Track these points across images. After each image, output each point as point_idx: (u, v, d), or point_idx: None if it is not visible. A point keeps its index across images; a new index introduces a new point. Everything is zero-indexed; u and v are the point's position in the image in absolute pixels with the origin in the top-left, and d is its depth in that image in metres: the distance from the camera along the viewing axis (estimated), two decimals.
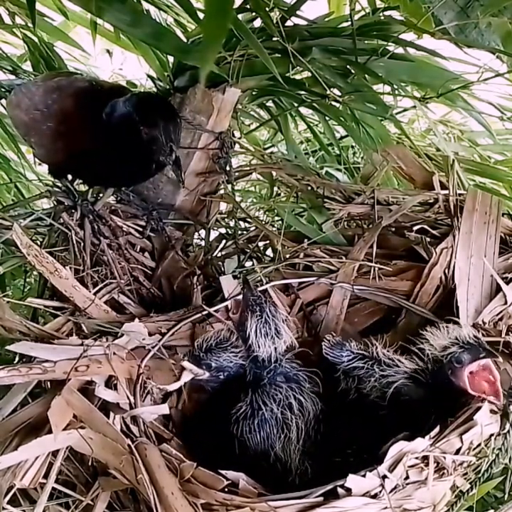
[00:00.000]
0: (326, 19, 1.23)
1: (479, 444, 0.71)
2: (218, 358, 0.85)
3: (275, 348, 0.82)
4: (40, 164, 1.47)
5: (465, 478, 0.72)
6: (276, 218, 1.36)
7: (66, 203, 1.06)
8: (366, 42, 1.13)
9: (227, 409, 0.82)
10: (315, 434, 0.80)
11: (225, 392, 0.85)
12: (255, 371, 0.84)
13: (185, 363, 0.82)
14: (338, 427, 0.81)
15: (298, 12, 1.13)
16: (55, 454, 0.71)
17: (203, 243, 1.21)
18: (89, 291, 0.95)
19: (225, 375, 0.85)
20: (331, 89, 1.13)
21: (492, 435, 0.72)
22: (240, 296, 0.91)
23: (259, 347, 0.82)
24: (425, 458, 0.68)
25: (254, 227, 1.20)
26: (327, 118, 1.28)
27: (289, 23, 1.11)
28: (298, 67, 1.15)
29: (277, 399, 0.81)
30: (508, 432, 0.73)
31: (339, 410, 0.84)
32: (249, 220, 1.22)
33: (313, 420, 0.81)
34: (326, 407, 0.84)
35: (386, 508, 0.64)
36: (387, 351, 0.85)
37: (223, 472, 0.68)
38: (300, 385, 0.83)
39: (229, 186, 1.20)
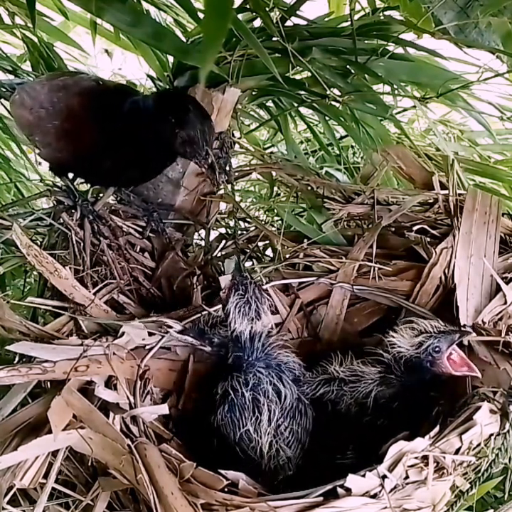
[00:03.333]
0: (326, 19, 1.23)
1: (479, 444, 0.71)
2: (221, 334, 0.86)
3: (251, 328, 0.82)
4: (40, 164, 1.47)
5: (465, 478, 0.72)
6: (276, 218, 1.36)
7: (66, 203, 1.06)
8: (366, 42, 1.14)
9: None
10: (291, 423, 0.80)
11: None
12: (236, 354, 0.84)
13: (187, 337, 0.86)
14: (322, 423, 0.82)
15: (298, 12, 1.13)
16: (55, 454, 0.71)
17: (203, 243, 1.21)
18: (89, 291, 0.95)
19: (225, 351, 0.86)
20: (331, 89, 1.13)
21: (492, 435, 0.72)
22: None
23: (235, 324, 0.81)
24: (425, 458, 0.68)
25: (254, 227, 1.20)
26: (327, 118, 1.28)
27: (288, 23, 1.12)
28: (298, 67, 1.16)
29: (251, 383, 0.81)
30: (508, 431, 0.72)
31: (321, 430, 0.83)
32: (249, 220, 1.22)
33: (290, 407, 0.81)
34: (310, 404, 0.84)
35: (386, 507, 0.64)
36: (347, 367, 0.86)
37: (223, 472, 0.68)
38: (280, 374, 0.83)
39: (229, 186, 1.20)
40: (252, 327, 0.82)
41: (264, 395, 0.80)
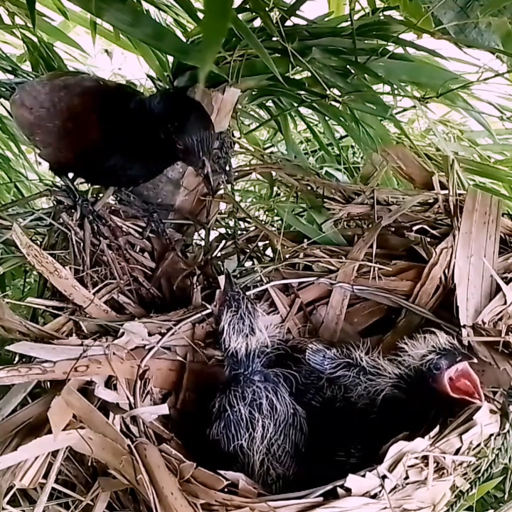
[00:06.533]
0: (326, 19, 1.23)
1: (479, 444, 0.71)
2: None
3: (246, 344, 0.81)
4: (39, 164, 1.47)
5: (465, 478, 0.72)
6: (276, 218, 1.36)
7: (66, 203, 1.06)
8: (366, 42, 1.14)
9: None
10: (285, 441, 0.79)
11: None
12: (232, 366, 0.83)
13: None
14: (321, 432, 0.81)
15: (298, 12, 1.13)
16: (54, 454, 0.71)
17: (202, 243, 1.21)
18: (89, 291, 0.95)
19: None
20: (331, 89, 1.13)
21: (492, 435, 0.72)
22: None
23: (230, 342, 0.81)
24: (425, 458, 0.68)
25: (254, 227, 1.20)
26: (327, 118, 1.28)
27: (288, 23, 1.12)
28: (298, 67, 1.16)
29: (248, 398, 0.80)
30: (508, 431, 0.72)
31: (324, 416, 0.83)
32: (249, 220, 1.22)
33: (284, 423, 0.80)
34: (307, 412, 0.83)
35: (386, 508, 0.64)
36: (372, 358, 0.85)
37: (223, 472, 0.68)
38: (276, 386, 0.82)
39: (229, 186, 1.20)
40: (247, 343, 0.81)
41: (259, 410, 0.79)
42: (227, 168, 1.17)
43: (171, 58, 1.21)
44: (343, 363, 0.85)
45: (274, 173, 1.25)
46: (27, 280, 1.28)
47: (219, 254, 1.19)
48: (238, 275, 1.11)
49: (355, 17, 1.14)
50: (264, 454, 0.77)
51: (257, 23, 1.15)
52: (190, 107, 0.90)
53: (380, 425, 0.78)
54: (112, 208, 1.12)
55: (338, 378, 0.84)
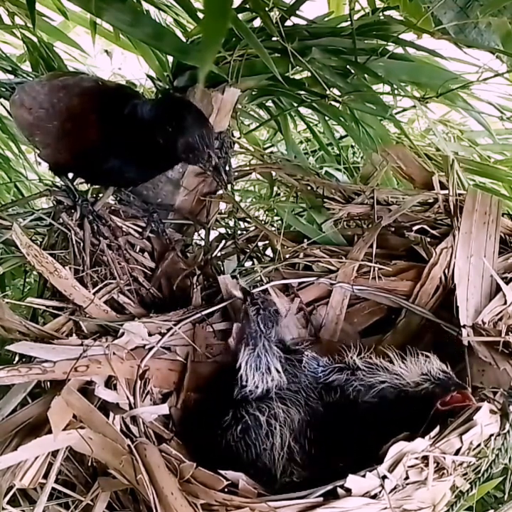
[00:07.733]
0: (326, 19, 1.23)
1: (479, 444, 0.71)
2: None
3: (262, 382, 0.81)
4: (39, 164, 1.47)
5: (465, 479, 0.72)
6: (276, 218, 1.36)
7: (66, 203, 1.06)
8: (366, 42, 1.14)
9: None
10: (297, 442, 0.79)
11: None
12: (242, 394, 0.83)
13: None
14: (325, 434, 0.81)
15: (297, 12, 1.13)
16: (54, 454, 0.71)
17: (202, 243, 1.21)
18: (89, 291, 0.95)
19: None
20: (331, 89, 1.13)
21: (492, 435, 0.72)
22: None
23: (247, 379, 0.81)
24: (425, 458, 0.68)
25: (253, 227, 1.20)
26: (327, 118, 1.28)
27: (288, 22, 1.12)
28: (297, 67, 1.16)
29: (263, 410, 0.80)
30: (508, 431, 0.72)
31: (326, 419, 0.83)
32: (248, 220, 1.22)
33: (299, 427, 0.80)
34: (312, 417, 0.83)
35: (386, 508, 0.64)
36: (365, 359, 0.85)
37: (223, 472, 0.67)
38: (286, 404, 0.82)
39: (229, 186, 1.20)
40: (263, 381, 0.81)
41: (275, 418, 0.79)
42: (227, 168, 1.17)
43: (170, 58, 1.21)
44: (336, 368, 0.86)
45: (274, 173, 1.25)
46: (27, 280, 1.28)
47: (219, 254, 1.19)
48: (238, 275, 1.11)
49: (355, 17, 1.14)
50: (286, 459, 0.77)
51: (257, 23, 1.15)
52: (183, 106, 0.90)
53: (374, 424, 0.78)
54: (112, 207, 1.12)
55: (332, 382, 0.85)
